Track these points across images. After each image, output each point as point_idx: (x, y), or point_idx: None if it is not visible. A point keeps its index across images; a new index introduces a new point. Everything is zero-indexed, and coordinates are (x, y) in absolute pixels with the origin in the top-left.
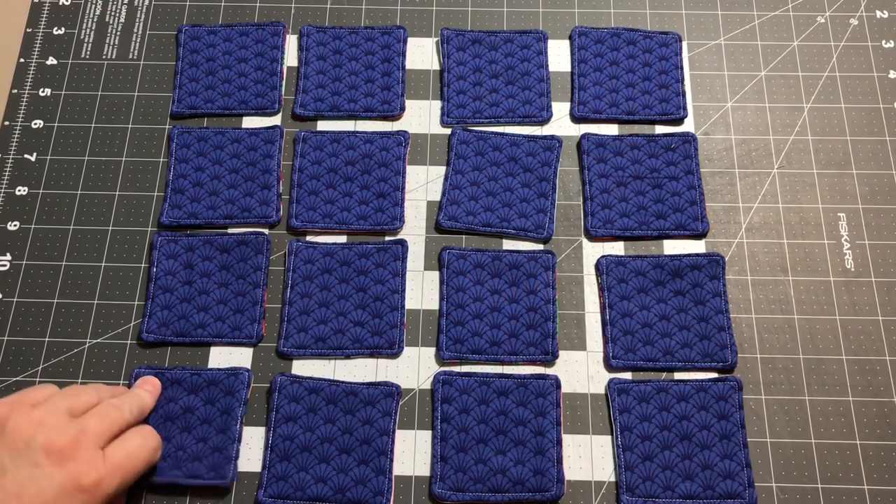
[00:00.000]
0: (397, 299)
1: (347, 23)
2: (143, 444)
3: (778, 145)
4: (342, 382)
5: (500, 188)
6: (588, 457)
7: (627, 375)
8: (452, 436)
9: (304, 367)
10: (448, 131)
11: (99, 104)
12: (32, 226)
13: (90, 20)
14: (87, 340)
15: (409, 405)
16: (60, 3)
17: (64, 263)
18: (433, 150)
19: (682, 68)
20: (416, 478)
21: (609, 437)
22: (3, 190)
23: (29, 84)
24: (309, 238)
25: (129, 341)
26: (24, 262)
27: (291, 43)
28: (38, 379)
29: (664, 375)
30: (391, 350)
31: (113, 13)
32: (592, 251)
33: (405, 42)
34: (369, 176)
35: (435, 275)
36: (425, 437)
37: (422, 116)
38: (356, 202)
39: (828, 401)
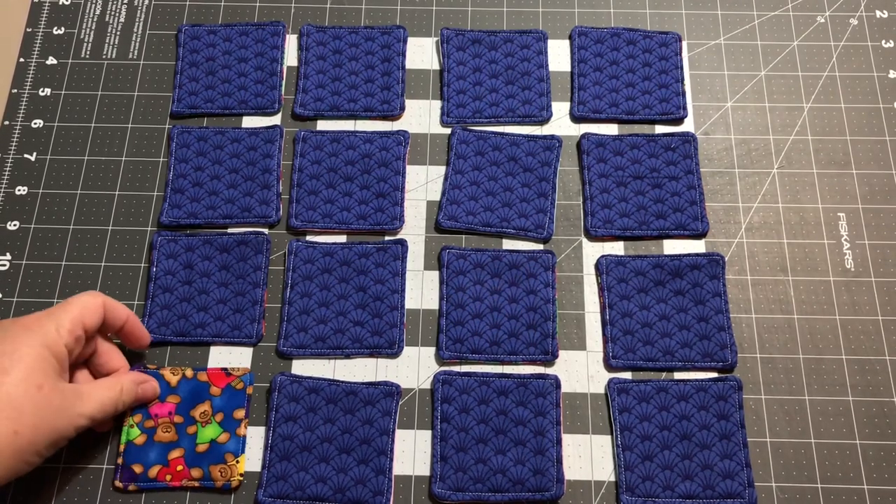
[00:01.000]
0: (397, 299)
1: (347, 23)
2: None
3: (778, 145)
4: (342, 382)
5: (499, 188)
6: (588, 456)
7: (627, 375)
8: (452, 435)
9: (304, 367)
10: (448, 131)
11: (99, 104)
12: (32, 225)
13: (90, 20)
14: None
15: (409, 405)
16: (60, 3)
17: (64, 263)
18: (433, 149)
19: (682, 68)
20: (416, 477)
21: (609, 437)
22: (3, 190)
23: (29, 84)
24: (309, 238)
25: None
26: (24, 262)
27: (291, 43)
28: None
29: (664, 375)
30: (391, 350)
31: (113, 13)
32: (592, 251)
33: (405, 42)
34: (369, 176)
35: (435, 275)
36: (425, 436)
37: (422, 116)
38: (356, 202)
39: (828, 401)
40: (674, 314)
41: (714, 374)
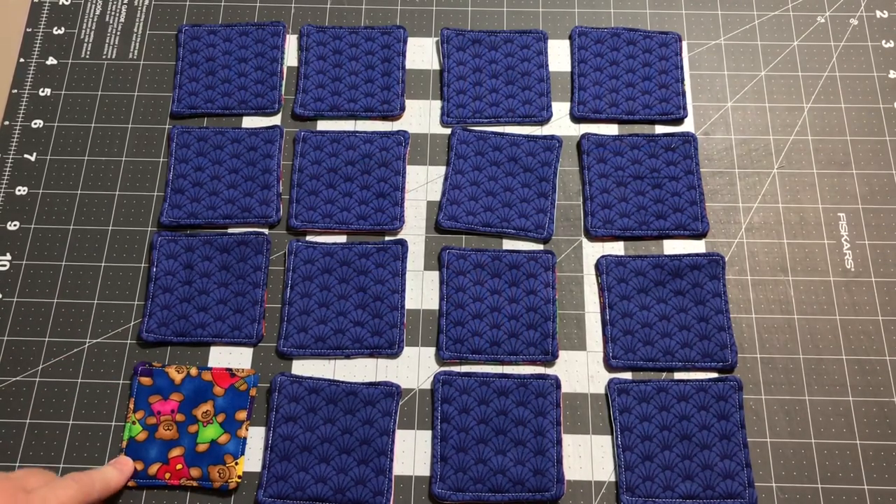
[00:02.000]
0: (397, 299)
1: (347, 23)
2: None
3: (778, 145)
4: (342, 382)
5: (500, 188)
6: (588, 457)
7: (627, 375)
8: (452, 436)
9: (304, 367)
10: (448, 131)
11: (99, 104)
12: (32, 226)
13: (90, 20)
14: (87, 340)
15: (409, 405)
16: (60, 3)
17: (64, 263)
18: (433, 150)
19: (682, 68)
20: (416, 478)
21: (609, 437)
22: (3, 190)
23: (29, 84)
24: (309, 238)
25: (128, 341)
26: (24, 262)
27: (291, 43)
28: (37, 378)
29: (664, 375)
30: (391, 350)
31: (113, 13)
32: (592, 251)
33: (405, 42)
34: (369, 176)
35: (435, 275)
36: (425, 437)
37: (422, 116)
38: (356, 202)
39: (828, 401)
40: (674, 314)
41: (714, 375)
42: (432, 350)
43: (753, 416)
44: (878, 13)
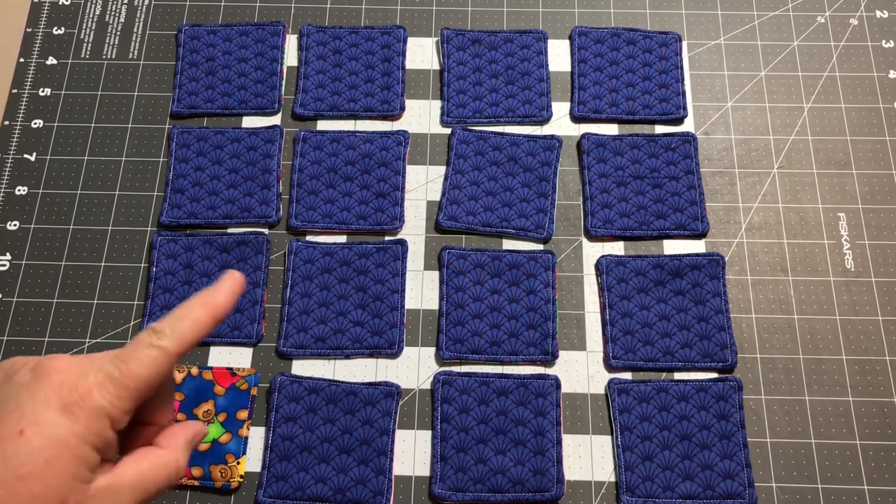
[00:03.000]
0: (397, 299)
1: (347, 23)
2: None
3: (778, 145)
4: (342, 382)
5: (499, 188)
6: (588, 457)
7: (627, 375)
8: (452, 436)
9: (304, 367)
10: (448, 131)
11: (99, 104)
12: (32, 226)
13: (90, 20)
14: (87, 340)
15: (409, 405)
16: (60, 3)
17: (64, 263)
18: (433, 149)
19: (682, 68)
20: (416, 478)
21: (609, 437)
22: (3, 190)
23: (29, 84)
24: (309, 238)
25: (129, 341)
26: (24, 262)
27: (291, 43)
28: None
29: (664, 375)
30: (391, 350)
31: (113, 13)
32: (592, 251)
33: (405, 42)
34: (369, 176)
35: (435, 275)
36: (425, 437)
37: (422, 116)
38: (356, 202)
39: (828, 401)
40: (674, 314)
41: (714, 375)
42: (432, 350)
43: (753, 416)
44: (878, 13)
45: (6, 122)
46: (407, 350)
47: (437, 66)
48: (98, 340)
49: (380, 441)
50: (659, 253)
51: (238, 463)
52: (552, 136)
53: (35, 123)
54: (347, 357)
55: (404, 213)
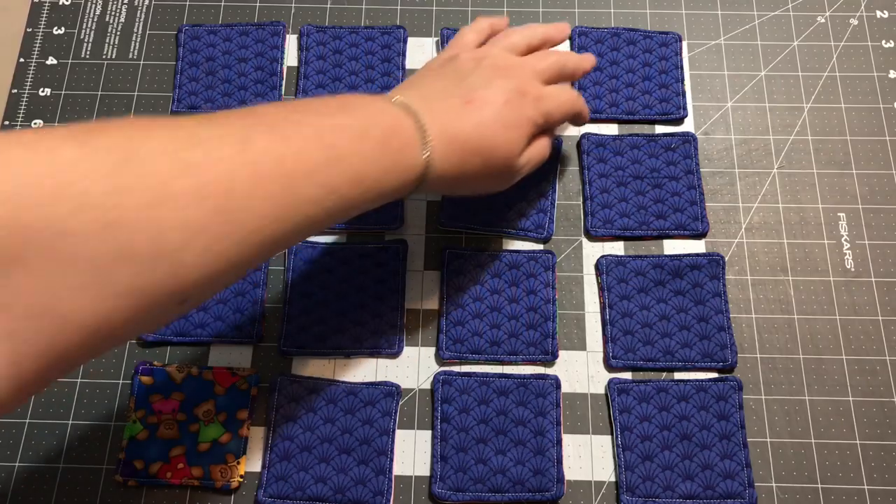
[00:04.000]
0: (397, 299)
1: (347, 22)
2: (573, 98)
3: (778, 145)
4: (342, 382)
5: None
6: (588, 457)
7: (627, 375)
8: (452, 436)
9: (304, 367)
10: None
11: (99, 104)
12: None
13: (90, 20)
14: None
15: (409, 405)
16: (60, 3)
17: None
18: None
19: (682, 68)
20: (416, 478)
21: (609, 437)
22: None
23: (29, 84)
24: (309, 237)
25: (128, 340)
26: None
27: (291, 43)
28: None
29: (664, 375)
30: (391, 350)
31: (113, 13)
32: (592, 251)
33: (405, 42)
34: None
35: (435, 275)
36: (425, 436)
37: None
38: None
39: (828, 401)
40: (674, 314)
41: (714, 375)
42: (432, 350)
43: (753, 416)
44: (878, 13)
45: (6, 123)
46: (407, 350)
47: None
48: None
49: (380, 441)
50: (659, 253)
51: (238, 463)
52: None
53: (35, 124)
54: (347, 357)
55: (404, 213)
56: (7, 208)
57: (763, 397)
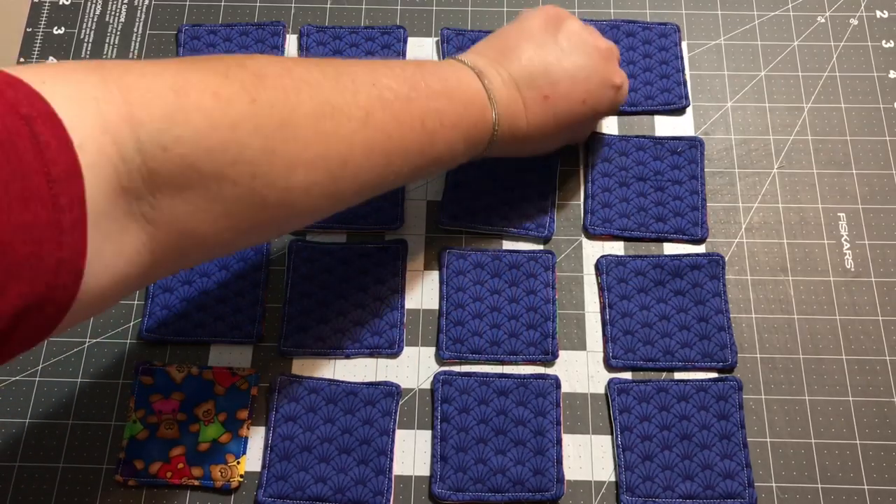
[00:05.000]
0: (397, 299)
1: (347, 22)
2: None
3: (778, 145)
4: (342, 382)
5: (500, 188)
6: (588, 457)
7: (627, 375)
8: (452, 435)
9: (304, 367)
10: None
11: None
12: None
13: (90, 20)
14: (87, 340)
15: (409, 405)
16: (60, 3)
17: None
18: None
19: (682, 58)
20: (415, 478)
21: (609, 437)
22: None
23: None
24: (309, 237)
25: (128, 340)
26: None
27: (291, 43)
28: (37, 378)
29: (664, 375)
30: (391, 350)
31: (113, 13)
32: (592, 251)
33: (405, 42)
34: None
35: (435, 274)
36: (425, 436)
37: None
38: None
39: (828, 401)
40: (674, 314)
41: (714, 375)
42: (432, 350)
43: (753, 416)
44: (878, 13)
45: None
46: (407, 350)
47: None
48: (98, 340)
49: (380, 441)
50: (659, 253)
51: (238, 463)
52: None
53: None
54: (347, 357)
55: (404, 213)
56: (187, 149)
57: (763, 397)
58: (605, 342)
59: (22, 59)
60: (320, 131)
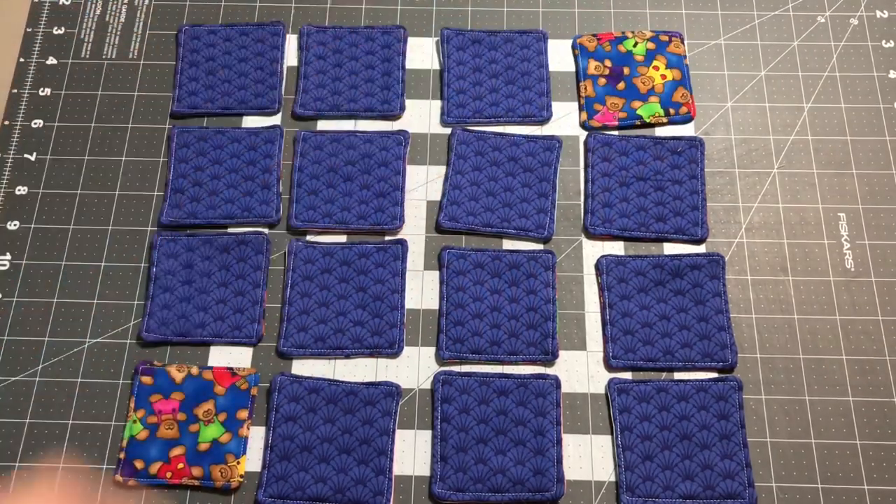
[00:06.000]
0: (397, 299)
1: (347, 22)
2: None
3: (778, 145)
4: (342, 382)
5: (500, 188)
6: (588, 457)
7: (627, 375)
8: (452, 435)
9: (304, 367)
10: (448, 131)
11: (99, 104)
12: (32, 225)
13: (90, 20)
14: (87, 340)
15: (409, 405)
16: (60, 3)
17: (64, 263)
18: (433, 149)
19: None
20: (416, 478)
21: (609, 437)
22: (3, 190)
23: (29, 84)
24: (309, 238)
25: (128, 341)
26: (24, 262)
27: (291, 43)
28: (37, 378)
29: (664, 375)
30: (391, 350)
31: (113, 13)
32: (592, 251)
33: (405, 42)
34: (369, 175)
35: (435, 274)
36: (425, 436)
37: (422, 116)
38: (356, 202)
39: (828, 401)
40: (674, 314)
41: (714, 375)
42: (432, 350)
43: (753, 416)
44: (878, 13)
45: (6, 122)
46: (407, 350)
47: (437, 66)
48: (98, 340)
49: (380, 441)
50: (659, 253)
51: (238, 463)
52: (552, 137)
53: (35, 123)
54: (347, 357)
55: (404, 213)
56: None
57: (763, 397)
58: (605, 342)
59: (22, 59)
60: None
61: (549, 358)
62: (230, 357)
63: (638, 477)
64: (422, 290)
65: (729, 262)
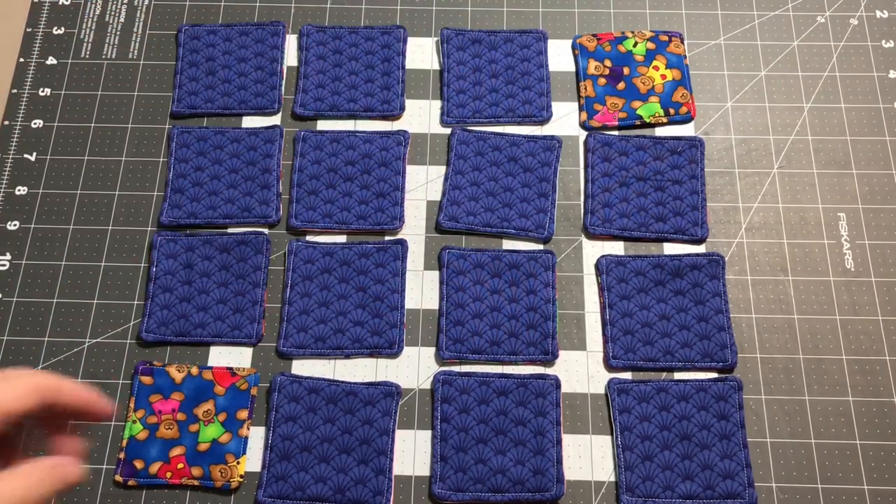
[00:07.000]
0: (397, 299)
1: (347, 23)
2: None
3: (778, 145)
4: (342, 382)
5: (500, 188)
6: (588, 457)
7: (627, 375)
8: (452, 436)
9: (304, 367)
10: (448, 131)
11: (99, 104)
12: (32, 225)
13: (90, 20)
14: (87, 340)
15: (409, 405)
16: (60, 3)
17: (64, 263)
18: (433, 149)
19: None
20: (416, 478)
21: (609, 437)
22: (3, 190)
23: (29, 84)
24: (309, 238)
25: (128, 341)
26: (24, 262)
27: (291, 43)
28: None
29: (664, 375)
30: (391, 350)
31: (113, 13)
32: (592, 251)
33: (405, 42)
34: (369, 176)
35: (435, 275)
36: (425, 437)
37: (422, 116)
38: (356, 202)
39: (828, 401)
40: (674, 314)
41: (714, 375)
42: (432, 350)
43: (753, 416)
44: (878, 13)
45: (6, 122)
46: (407, 350)
47: (437, 66)
48: (98, 340)
49: (380, 441)
50: (659, 253)
51: (238, 463)
52: (552, 137)
53: (35, 123)
54: (347, 357)
55: (404, 213)
56: None
57: (763, 397)
58: (605, 342)
59: (22, 59)
60: None
61: (549, 358)
62: (230, 357)
63: (638, 477)
64: (422, 290)
65: (729, 262)
